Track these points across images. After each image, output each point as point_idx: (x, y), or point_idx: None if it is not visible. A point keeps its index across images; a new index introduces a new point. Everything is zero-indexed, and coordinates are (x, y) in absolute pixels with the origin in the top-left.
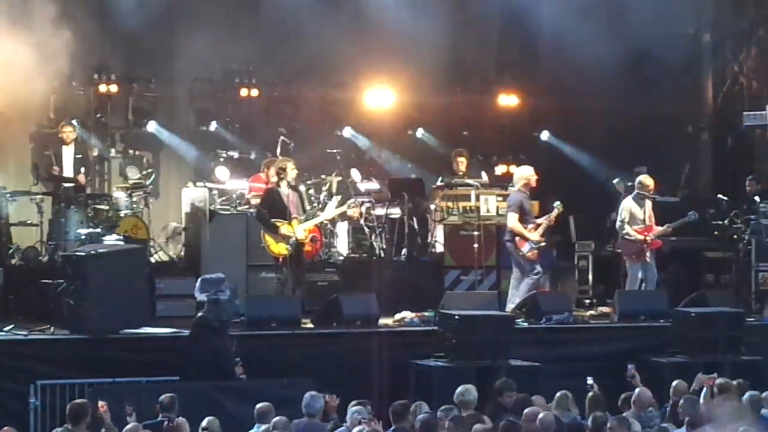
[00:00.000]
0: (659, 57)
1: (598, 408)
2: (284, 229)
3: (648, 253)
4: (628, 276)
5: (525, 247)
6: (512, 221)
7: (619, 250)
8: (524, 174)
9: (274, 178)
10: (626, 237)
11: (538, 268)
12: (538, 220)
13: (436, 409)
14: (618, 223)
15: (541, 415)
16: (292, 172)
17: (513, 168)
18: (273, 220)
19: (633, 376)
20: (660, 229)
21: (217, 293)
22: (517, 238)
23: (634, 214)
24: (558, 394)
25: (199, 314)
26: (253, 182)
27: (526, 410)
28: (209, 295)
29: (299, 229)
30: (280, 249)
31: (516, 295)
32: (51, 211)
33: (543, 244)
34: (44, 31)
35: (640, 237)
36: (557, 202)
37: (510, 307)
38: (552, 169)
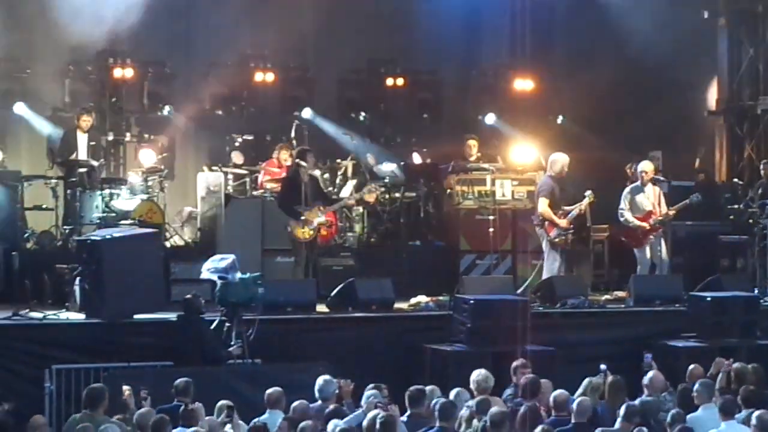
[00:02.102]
0: (674, 41)
1: (619, 393)
2: (306, 214)
3: (652, 239)
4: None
5: (553, 233)
6: (542, 206)
7: (623, 239)
8: (558, 160)
9: (287, 162)
10: (625, 224)
11: (560, 256)
12: (568, 208)
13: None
14: (618, 211)
15: (578, 399)
16: (310, 160)
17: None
18: (295, 206)
19: (650, 366)
20: (662, 213)
21: (226, 274)
22: (546, 223)
23: (637, 201)
24: (585, 381)
25: (185, 297)
26: (267, 167)
27: (556, 394)
28: (220, 275)
29: (320, 216)
30: (303, 233)
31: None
32: (66, 196)
33: (571, 231)
34: (58, 13)
35: (638, 223)
36: (588, 191)
37: None
38: (567, 153)
